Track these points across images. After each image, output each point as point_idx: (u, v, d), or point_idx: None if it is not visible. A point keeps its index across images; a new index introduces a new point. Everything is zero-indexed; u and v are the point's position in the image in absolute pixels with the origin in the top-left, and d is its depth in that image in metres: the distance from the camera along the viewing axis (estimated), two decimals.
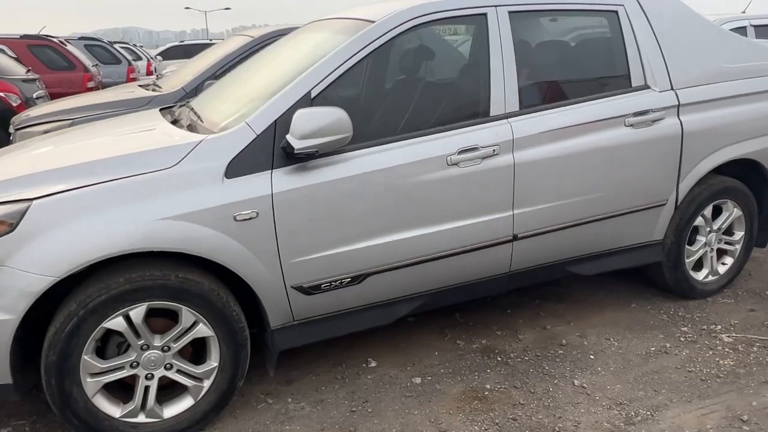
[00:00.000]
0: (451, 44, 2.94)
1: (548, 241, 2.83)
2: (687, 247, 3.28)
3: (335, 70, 2.40)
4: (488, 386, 2.67)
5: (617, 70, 2.97)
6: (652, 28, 3.00)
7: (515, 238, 2.73)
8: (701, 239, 3.35)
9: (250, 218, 2.23)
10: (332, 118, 2.22)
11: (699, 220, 3.27)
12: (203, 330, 2.25)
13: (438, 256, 2.59)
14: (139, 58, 16.32)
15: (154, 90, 4.75)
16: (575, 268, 3.01)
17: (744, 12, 7.40)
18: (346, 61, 2.42)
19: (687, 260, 3.31)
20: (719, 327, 3.12)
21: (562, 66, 2.90)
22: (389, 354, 2.95)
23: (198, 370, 2.30)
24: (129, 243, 2.08)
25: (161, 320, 2.26)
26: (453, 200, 2.55)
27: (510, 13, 2.72)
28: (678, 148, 3.01)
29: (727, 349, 2.90)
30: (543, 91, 2.81)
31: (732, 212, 3.37)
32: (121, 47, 15.19)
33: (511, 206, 2.68)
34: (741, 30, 6.60)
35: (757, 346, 2.92)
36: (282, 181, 2.28)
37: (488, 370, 2.79)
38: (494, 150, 2.58)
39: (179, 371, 2.29)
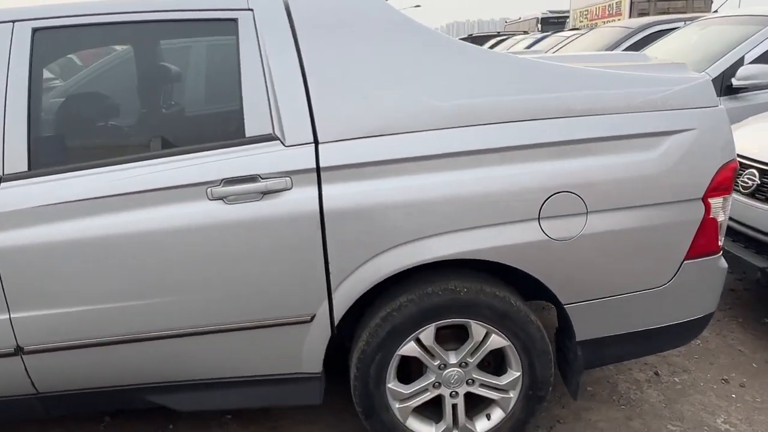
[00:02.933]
0: None
1: (86, 359, 1.95)
2: (395, 386, 2.08)
3: None
4: None
5: (224, 112, 1.95)
6: (297, 46, 1.90)
7: (21, 350, 1.92)
8: (430, 377, 2.10)
9: None
10: None
11: (412, 348, 2.04)
12: None
13: None
14: None
15: None
16: (161, 398, 2.06)
17: (716, 11, 5.29)
18: None
19: (397, 406, 2.10)
20: None
21: (118, 107, 1.98)
22: None
23: None
24: None
25: None
26: None
27: (38, 30, 1.90)
28: (317, 237, 1.87)
29: None
30: (82, 144, 1.94)
31: (485, 340, 2.06)
32: None
33: (5, 308, 1.88)
34: None
35: None
36: None
37: None
38: None
39: None
